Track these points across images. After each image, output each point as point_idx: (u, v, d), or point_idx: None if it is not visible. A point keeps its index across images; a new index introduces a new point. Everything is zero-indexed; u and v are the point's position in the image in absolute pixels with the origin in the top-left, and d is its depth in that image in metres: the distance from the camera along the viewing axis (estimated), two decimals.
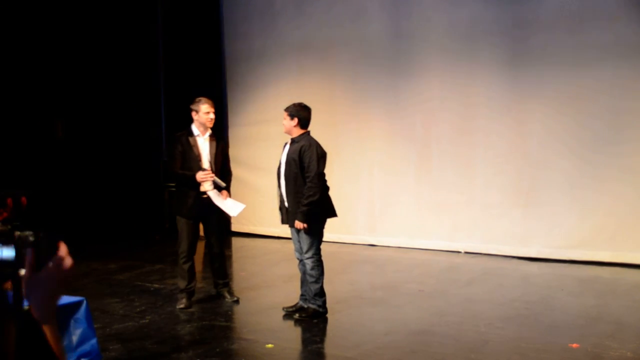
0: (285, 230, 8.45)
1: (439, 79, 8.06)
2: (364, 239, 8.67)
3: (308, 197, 5.04)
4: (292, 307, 5.40)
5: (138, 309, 5.60)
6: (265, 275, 7.11)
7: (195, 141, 5.61)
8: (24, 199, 1.98)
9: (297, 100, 5.46)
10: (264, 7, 9.27)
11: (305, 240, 5.15)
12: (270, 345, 4.62)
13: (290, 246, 8.12)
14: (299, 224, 5.08)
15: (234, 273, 7.58)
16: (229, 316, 5.48)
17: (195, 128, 5.70)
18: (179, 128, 9.69)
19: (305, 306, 5.31)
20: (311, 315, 5.22)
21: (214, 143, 5.68)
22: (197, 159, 5.52)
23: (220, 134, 9.71)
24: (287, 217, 5.22)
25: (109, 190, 8.97)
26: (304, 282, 5.34)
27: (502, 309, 5.50)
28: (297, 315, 5.24)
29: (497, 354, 4.39)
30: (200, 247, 8.88)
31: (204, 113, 5.64)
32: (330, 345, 4.78)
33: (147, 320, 5.27)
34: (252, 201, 9.42)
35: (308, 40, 8.88)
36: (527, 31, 7.44)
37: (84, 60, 8.61)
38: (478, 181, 7.88)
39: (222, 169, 5.69)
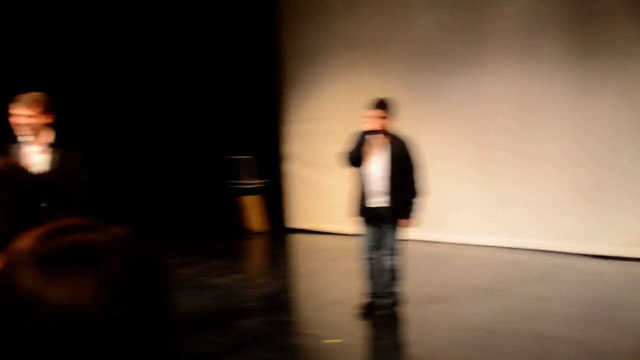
0: (343, 227, 8.49)
1: (496, 73, 7.88)
2: (424, 235, 8.54)
3: (416, 194, 4.99)
4: (364, 305, 5.28)
5: (202, 303, 5.69)
6: (326, 271, 7.10)
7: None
8: None
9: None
10: (319, 5, 9.28)
11: (396, 237, 5.05)
12: (332, 341, 4.61)
13: (348, 242, 8.11)
14: (405, 222, 4.99)
15: (294, 269, 7.62)
16: (291, 311, 5.51)
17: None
18: (239, 126, 9.87)
19: (384, 301, 5.22)
20: (392, 311, 5.14)
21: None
22: None
23: (274, 131, 9.83)
24: (385, 213, 5.06)
25: (175, 189, 9.15)
26: (372, 279, 5.25)
27: (571, 307, 5.32)
28: (379, 312, 5.15)
29: (567, 355, 4.25)
30: (255, 243, 8.95)
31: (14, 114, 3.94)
32: (394, 341, 4.73)
33: (210, 314, 5.34)
34: (309, 198, 9.46)
35: (361, 37, 8.83)
36: (590, 22, 7.17)
37: (149, 63, 8.80)
38: (539, 177, 7.66)
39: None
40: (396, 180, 5.01)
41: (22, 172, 1.44)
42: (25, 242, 0.69)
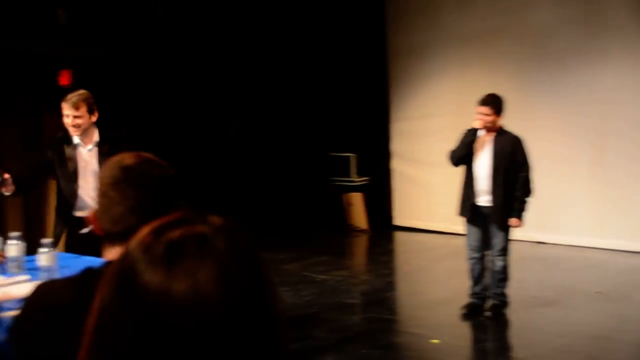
0: (449, 226, 8.37)
1: (614, 68, 7.43)
2: (532, 235, 8.24)
3: (527, 192, 4.89)
4: (468, 305, 5.17)
5: (305, 298, 5.81)
6: (430, 270, 7.03)
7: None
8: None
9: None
10: (428, 0, 9.16)
11: (504, 237, 4.95)
12: (435, 341, 4.57)
13: (455, 241, 7.98)
14: (517, 222, 4.90)
15: (398, 267, 7.61)
16: (394, 309, 5.51)
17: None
18: (344, 123, 9.95)
19: (487, 304, 5.12)
20: (497, 313, 5.04)
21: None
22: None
23: (380, 128, 9.82)
24: (491, 213, 4.97)
25: (280, 185, 9.39)
26: (478, 279, 5.15)
27: None
28: (488, 313, 5.05)
29: None
30: (359, 240, 9.00)
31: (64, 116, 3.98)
32: (500, 344, 4.61)
33: (314, 310, 5.45)
34: (414, 195, 9.38)
35: (471, 32, 8.61)
36: None
37: (255, 61, 9.07)
38: None
39: None
40: (502, 178, 4.88)
41: (155, 167, 1.43)
42: (138, 238, 0.72)
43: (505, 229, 4.92)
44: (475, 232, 5.06)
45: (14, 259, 3.21)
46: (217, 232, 0.72)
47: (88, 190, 3.94)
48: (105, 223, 1.40)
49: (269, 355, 0.72)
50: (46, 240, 3.12)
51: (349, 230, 9.43)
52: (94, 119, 3.96)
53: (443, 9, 8.93)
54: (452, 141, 5.39)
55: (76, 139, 3.98)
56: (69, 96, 3.92)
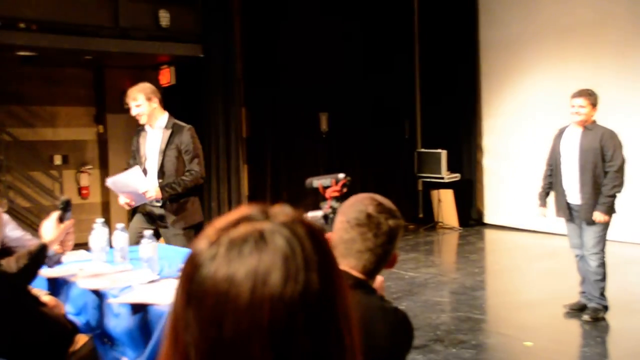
0: (543, 224, 8.06)
1: None
2: (636, 237, 7.81)
3: (614, 187, 4.69)
4: (574, 304, 5.02)
5: (394, 295, 5.79)
6: (523, 270, 6.82)
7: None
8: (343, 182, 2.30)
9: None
10: None
11: (594, 235, 4.77)
12: (529, 343, 4.43)
13: (549, 241, 7.70)
14: (601, 217, 4.73)
15: (488, 266, 7.43)
16: (484, 309, 5.39)
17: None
18: (434, 119, 9.82)
19: (589, 305, 4.93)
20: (596, 317, 4.84)
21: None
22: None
23: (470, 124, 9.58)
24: (581, 210, 4.82)
25: (368, 181, 9.39)
26: (585, 280, 4.97)
27: None
28: (585, 317, 4.86)
29: None
30: (448, 237, 8.85)
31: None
32: (599, 350, 4.41)
33: (403, 307, 5.42)
34: (505, 193, 9.11)
35: (571, 23, 8.23)
36: None
37: (344, 55, 9.11)
38: None
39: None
40: (590, 175, 4.71)
41: (392, 217, 1.75)
42: (204, 237, 0.75)
43: (597, 226, 4.72)
44: (574, 228, 4.95)
45: (119, 249, 3.40)
46: (277, 228, 0.73)
47: (154, 169, 4.32)
48: (342, 250, 1.70)
49: (331, 351, 0.72)
50: (147, 232, 3.27)
51: (439, 227, 9.30)
52: (154, 105, 4.32)
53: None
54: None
55: (147, 126, 4.38)
56: (128, 91, 4.33)
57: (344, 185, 2.18)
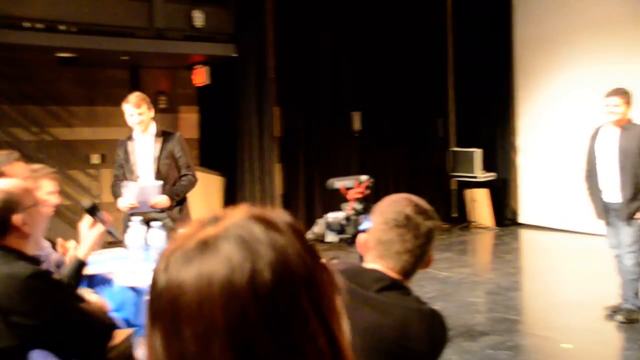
0: (580, 225, 7.90)
1: None
2: None
3: None
4: (615, 307, 4.91)
5: (428, 295, 5.74)
6: (560, 271, 6.70)
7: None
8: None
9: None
10: None
11: (632, 233, 4.69)
12: (568, 345, 4.35)
13: (586, 241, 7.55)
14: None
15: (524, 266, 7.33)
16: (520, 310, 5.31)
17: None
18: (468, 118, 9.71)
19: (623, 306, 4.82)
20: (630, 318, 4.73)
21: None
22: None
23: (505, 124, 9.43)
24: (618, 209, 4.74)
25: (402, 180, 9.35)
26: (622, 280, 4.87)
27: None
28: (619, 318, 4.77)
29: None
30: (483, 237, 8.74)
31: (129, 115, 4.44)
32: None
33: (437, 307, 5.36)
34: (541, 192, 8.96)
35: (607, 18, 8.04)
36: None
37: (377, 54, 9.07)
38: None
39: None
40: (630, 174, 4.64)
41: (428, 218, 1.77)
42: (161, 253, 0.77)
43: (635, 225, 4.64)
44: (612, 229, 4.89)
45: (156, 247, 3.44)
46: (223, 232, 0.73)
47: (150, 177, 4.43)
48: (380, 251, 1.72)
49: (302, 351, 0.71)
50: (183, 230, 3.30)
51: (473, 227, 9.20)
52: (152, 114, 4.46)
53: None
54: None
55: (135, 135, 4.48)
56: (130, 98, 4.40)
57: (366, 188, 2.18)
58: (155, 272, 0.75)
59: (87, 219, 2.51)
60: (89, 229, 2.44)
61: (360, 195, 2.22)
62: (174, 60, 8.17)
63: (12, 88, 7.77)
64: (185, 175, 4.51)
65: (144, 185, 4.36)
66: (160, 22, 7.20)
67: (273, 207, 0.81)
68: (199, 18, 7.43)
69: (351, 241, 2.19)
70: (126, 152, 4.51)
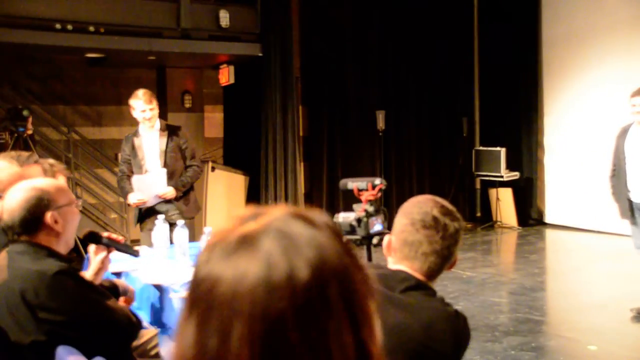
0: (606, 225, 7.79)
1: None
2: None
3: None
4: (637, 309, 4.87)
5: (451, 295, 5.73)
6: (585, 271, 6.63)
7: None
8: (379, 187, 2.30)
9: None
10: None
11: None
12: (593, 347, 4.31)
13: (612, 242, 7.44)
14: None
15: (549, 267, 7.25)
16: (545, 311, 5.27)
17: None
18: (493, 117, 9.63)
19: None
20: None
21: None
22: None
23: (530, 123, 9.33)
24: None
25: (426, 179, 9.32)
26: None
27: None
28: None
29: None
30: (507, 237, 8.66)
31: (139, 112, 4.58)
32: None
33: (460, 307, 5.35)
34: (568, 192, 8.85)
35: (637, 16, 7.90)
36: None
37: (402, 53, 9.04)
38: None
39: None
40: None
41: (455, 220, 1.77)
42: (205, 244, 0.77)
43: None
44: (638, 228, 4.78)
45: (180, 245, 3.50)
46: (263, 228, 0.74)
47: (156, 170, 4.59)
48: (406, 252, 1.73)
49: (330, 350, 0.71)
50: (208, 229, 3.36)
51: (497, 226, 9.13)
52: (158, 109, 4.65)
53: None
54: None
55: (142, 130, 4.64)
56: (139, 94, 4.53)
57: (379, 190, 2.19)
58: (197, 263, 0.76)
59: (92, 246, 2.47)
60: (94, 254, 2.44)
61: (372, 198, 2.22)
62: (200, 60, 8.25)
63: (42, 88, 7.94)
64: (190, 166, 4.69)
65: (149, 177, 4.53)
66: (186, 22, 7.28)
67: (301, 205, 0.82)
68: (224, 18, 7.49)
69: (360, 242, 2.18)
70: (133, 148, 4.67)
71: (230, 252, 0.73)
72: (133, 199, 4.55)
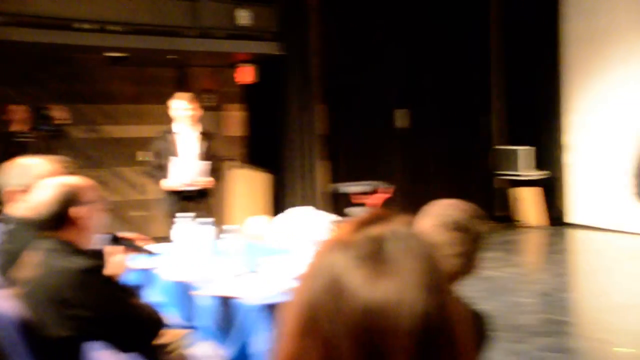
0: (630, 224, 7.64)
1: None
2: None
3: None
4: None
5: (475, 294, 5.64)
6: (612, 272, 6.50)
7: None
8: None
9: None
10: None
11: None
12: (622, 349, 4.21)
13: (637, 242, 7.31)
14: None
15: (574, 267, 7.15)
16: (573, 312, 5.17)
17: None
18: (512, 115, 9.50)
19: None
20: None
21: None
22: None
23: (552, 122, 9.19)
24: None
25: (445, 178, 9.23)
26: None
27: None
28: None
29: None
30: (532, 237, 8.55)
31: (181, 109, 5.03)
32: None
33: (483, 307, 5.27)
34: (590, 192, 8.71)
35: None
36: None
37: (421, 51, 8.97)
38: None
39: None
40: None
41: (480, 223, 1.84)
42: (337, 237, 0.72)
43: None
44: None
45: (203, 242, 3.47)
46: (415, 232, 0.70)
47: (191, 168, 4.88)
48: None
49: None
50: (229, 227, 3.33)
51: (521, 226, 9.01)
52: (200, 112, 5.04)
53: None
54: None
55: (178, 128, 4.93)
56: (181, 95, 5.01)
57: (385, 197, 2.21)
58: (319, 267, 0.72)
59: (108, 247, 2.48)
60: (111, 255, 2.45)
61: (375, 203, 2.26)
62: (220, 58, 8.26)
63: (64, 87, 7.99)
64: (216, 171, 5.07)
65: (191, 163, 4.85)
66: (206, 21, 7.28)
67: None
68: (243, 16, 7.48)
69: None
70: (169, 143, 4.93)
71: (361, 262, 0.69)
72: (168, 184, 4.86)
